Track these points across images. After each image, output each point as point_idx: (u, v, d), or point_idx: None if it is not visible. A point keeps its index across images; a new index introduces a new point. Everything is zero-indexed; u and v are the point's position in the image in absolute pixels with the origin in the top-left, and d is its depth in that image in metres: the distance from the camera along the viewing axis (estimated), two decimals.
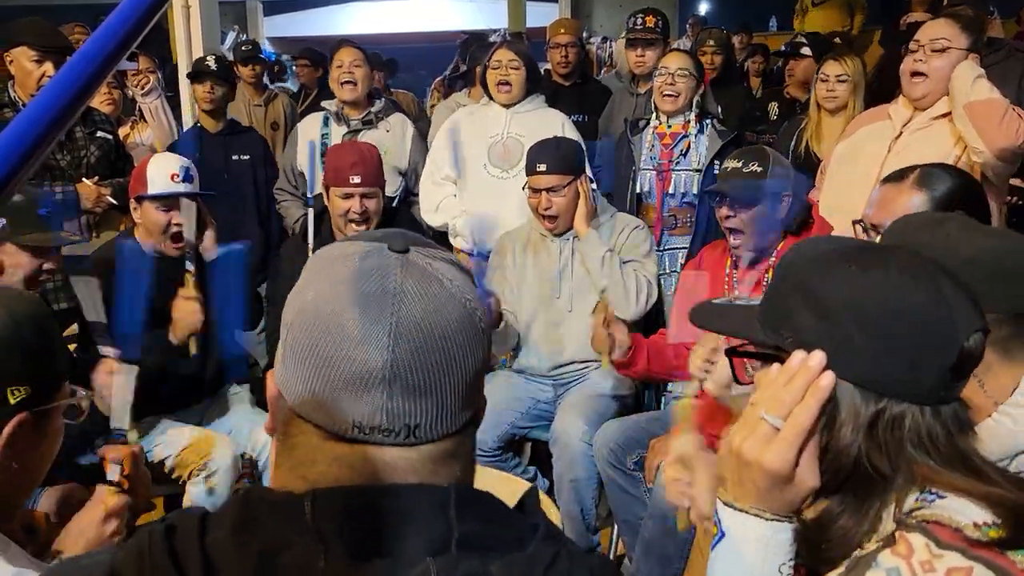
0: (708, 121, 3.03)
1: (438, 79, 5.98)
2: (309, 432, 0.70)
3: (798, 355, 0.88)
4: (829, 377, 0.86)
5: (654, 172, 3.00)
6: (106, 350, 2.10)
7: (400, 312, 0.67)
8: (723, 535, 0.90)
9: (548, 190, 2.59)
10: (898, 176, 1.76)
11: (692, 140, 2.98)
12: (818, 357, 0.87)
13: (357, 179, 2.57)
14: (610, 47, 6.54)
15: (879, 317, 0.87)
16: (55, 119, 0.46)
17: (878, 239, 1.37)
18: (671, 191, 2.98)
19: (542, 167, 2.59)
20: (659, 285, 2.72)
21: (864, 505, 0.89)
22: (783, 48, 4.61)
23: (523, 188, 2.70)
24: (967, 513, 0.83)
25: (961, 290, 0.90)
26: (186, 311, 2.30)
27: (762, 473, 0.86)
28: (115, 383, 1.85)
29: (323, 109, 3.48)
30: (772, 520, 0.88)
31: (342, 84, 3.35)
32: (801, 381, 0.86)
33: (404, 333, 0.67)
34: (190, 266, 2.37)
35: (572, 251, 2.68)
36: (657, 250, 2.92)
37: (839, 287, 0.89)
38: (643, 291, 2.59)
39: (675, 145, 3.00)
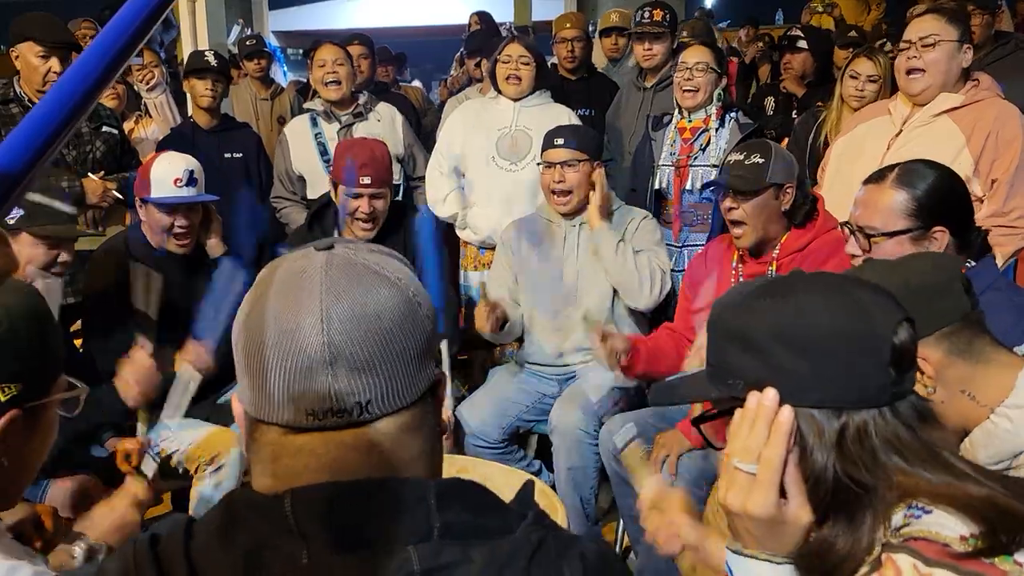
0: (731, 115, 2.98)
1: (457, 53, 5.94)
2: (271, 432, 0.72)
3: (752, 398, 0.90)
4: (787, 411, 0.88)
5: (672, 168, 2.98)
6: (142, 342, 2.08)
7: (328, 298, 0.70)
8: None
9: (563, 164, 2.62)
10: (878, 176, 1.70)
11: (713, 134, 2.93)
12: (770, 394, 0.89)
13: (367, 180, 2.58)
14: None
15: (804, 339, 0.88)
16: (67, 116, 0.45)
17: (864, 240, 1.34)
18: (689, 187, 2.94)
19: (559, 141, 2.65)
20: (672, 280, 2.72)
21: (855, 522, 0.89)
22: (779, 41, 4.54)
23: (537, 164, 2.73)
24: (953, 527, 0.83)
25: (872, 291, 0.91)
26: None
27: (751, 521, 0.88)
28: (180, 380, 1.92)
29: (310, 110, 3.42)
30: (783, 564, 0.89)
31: (327, 84, 3.31)
32: (762, 422, 0.88)
33: (336, 315, 0.69)
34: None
35: (579, 236, 2.68)
36: (676, 246, 2.93)
37: (760, 322, 0.91)
38: (657, 280, 2.60)
39: (695, 140, 2.96)
